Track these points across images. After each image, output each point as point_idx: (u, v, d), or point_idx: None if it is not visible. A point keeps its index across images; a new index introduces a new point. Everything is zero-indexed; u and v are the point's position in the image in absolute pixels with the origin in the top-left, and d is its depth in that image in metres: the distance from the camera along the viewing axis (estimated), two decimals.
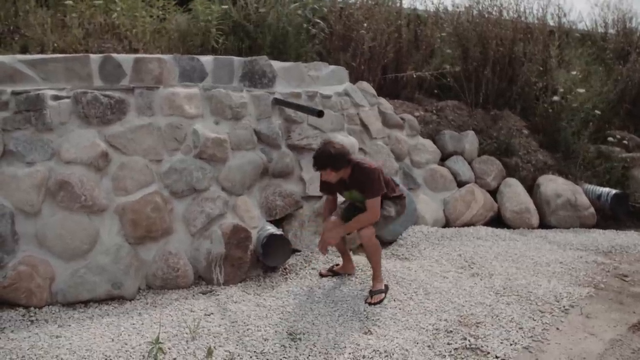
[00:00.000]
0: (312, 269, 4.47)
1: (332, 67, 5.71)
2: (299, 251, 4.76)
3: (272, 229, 4.42)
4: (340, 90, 5.58)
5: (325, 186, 4.13)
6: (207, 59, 4.76)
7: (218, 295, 3.93)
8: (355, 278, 4.31)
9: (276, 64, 5.15)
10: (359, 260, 4.63)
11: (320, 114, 4.49)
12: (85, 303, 3.76)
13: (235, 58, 4.94)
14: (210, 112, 4.56)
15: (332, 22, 6.72)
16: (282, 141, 4.89)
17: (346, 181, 3.96)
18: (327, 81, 5.54)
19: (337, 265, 4.47)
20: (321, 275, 4.36)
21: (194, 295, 3.95)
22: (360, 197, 3.95)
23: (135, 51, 5.22)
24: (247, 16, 5.72)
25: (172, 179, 4.20)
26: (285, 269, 4.48)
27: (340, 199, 4.31)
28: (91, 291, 3.75)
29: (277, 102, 4.91)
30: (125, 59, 4.33)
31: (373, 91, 6.07)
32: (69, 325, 3.41)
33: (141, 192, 4.07)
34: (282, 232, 4.48)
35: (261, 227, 4.49)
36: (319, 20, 6.36)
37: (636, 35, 9.49)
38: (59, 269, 3.75)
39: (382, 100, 6.17)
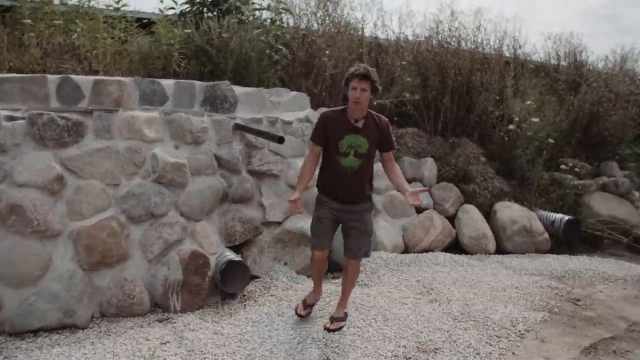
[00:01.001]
0: (272, 295, 4.43)
1: (294, 93, 5.75)
2: (258, 277, 4.72)
3: (231, 255, 4.38)
4: (301, 116, 5.62)
5: (321, 128, 3.69)
6: (168, 83, 4.74)
7: (175, 323, 3.86)
8: (316, 305, 4.29)
9: (238, 89, 5.16)
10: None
11: (281, 140, 4.51)
12: (35, 332, 3.63)
13: (197, 82, 4.93)
14: (170, 137, 4.53)
15: (295, 49, 6.79)
16: (242, 166, 4.88)
17: (354, 124, 3.59)
18: (289, 107, 5.58)
19: (309, 297, 4.08)
20: (300, 316, 4.00)
21: (149, 323, 3.86)
22: (364, 147, 3.59)
23: (95, 73, 5.15)
24: (210, 41, 5.73)
25: (129, 204, 4.13)
26: (244, 295, 4.43)
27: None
28: (41, 320, 3.62)
29: (238, 128, 4.91)
30: (84, 80, 4.27)
31: None
32: (16, 357, 3.28)
33: (97, 217, 3.98)
34: (241, 258, 4.44)
35: (220, 253, 4.44)
36: (281, 47, 6.42)
37: (586, 68, 9.89)
38: (7, 297, 3.62)
39: None
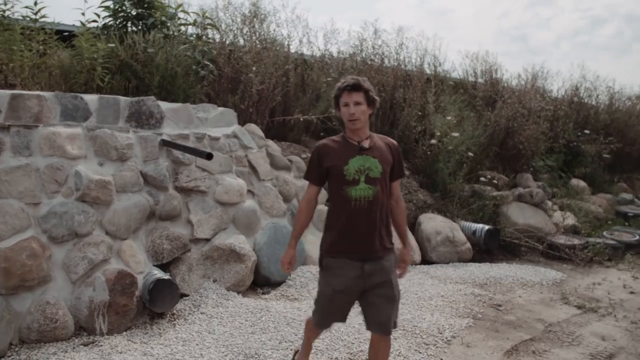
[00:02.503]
0: (202, 313, 4.38)
1: (221, 109, 5.75)
2: (188, 295, 4.66)
3: (159, 274, 4.30)
4: (228, 132, 5.62)
5: (316, 160, 3.01)
6: (91, 98, 4.62)
7: (101, 346, 3.73)
8: (246, 321, 4.28)
9: (164, 105, 5.10)
10: (248, 302, 4.62)
11: (209, 156, 4.50)
12: None
13: (122, 98, 4.83)
14: (94, 153, 4.41)
15: (222, 65, 6.78)
16: (169, 183, 4.82)
17: (358, 144, 2.93)
18: (216, 123, 5.56)
19: (299, 356, 3.45)
20: None
21: (74, 348, 3.72)
22: (377, 169, 2.90)
23: (12, 87, 4.94)
24: (135, 55, 5.63)
25: (51, 224, 3.97)
26: (173, 314, 4.35)
27: None
28: None
29: (165, 144, 4.85)
30: (0, 94, 4.09)
31: (261, 133, 6.16)
32: None
33: (15, 238, 3.80)
34: (169, 277, 4.37)
35: (148, 272, 4.35)
36: (208, 62, 6.39)
37: (501, 85, 10.46)
38: None
39: (270, 142, 6.28)
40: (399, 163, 3.08)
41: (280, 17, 11.25)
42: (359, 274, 2.89)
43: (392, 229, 3.09)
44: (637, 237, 8.00)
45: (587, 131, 11.05)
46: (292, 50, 8.23)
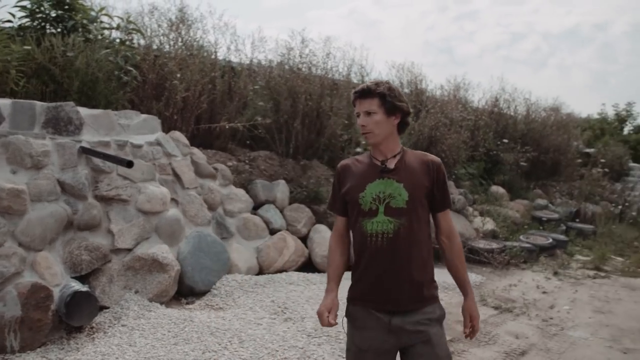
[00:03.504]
0: (122, 325, 4.27)
1: (144, 116, 5.64)
2: (108, 308, 4.52)
3: (77, 286, 4.16)
4: (152, 139, 5.52)
5: (336, 185, 2.48)
6: (4, 102, 4.42)
7: None
8: (168, 332, 4.21)
9: (84, 111, 4.95)
10: (171, 313, 4.55)
11: (129, 164, 4.41)
12: None
13: (38, 103, 4.65)
14: (6, 161, 4.22)
15: (146, 71, 6.65)
16: (89, 192, 4.68)
17: (381, 164, 2.35)
18: (139, 130, 5.45)
19: None
20: None
21: None
22: (401, 196, 2.27)
23: None
24: (53, 59, 5.43)
25: None
26: (92, 328, 4.22)
27: None
28: None
29: (84, 151, 4.71)
30: None
31: (186, 141, 6.09)
32: None
33: None
34: (88, 289, 4.24)
35: (65, 285, 4.20)
36: (131, 68, 6.25)
37: (425, 95, 10.82)
38: None
39: (195, 150, 6.22)
40: (440, 187, 2.35)
41: (207, 24, 11.15)
42: (386, 329, 2.29)
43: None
44: (551, 240, 8.51)
45: (505, 140, 11.63)
46: (220, 57, 8.17)
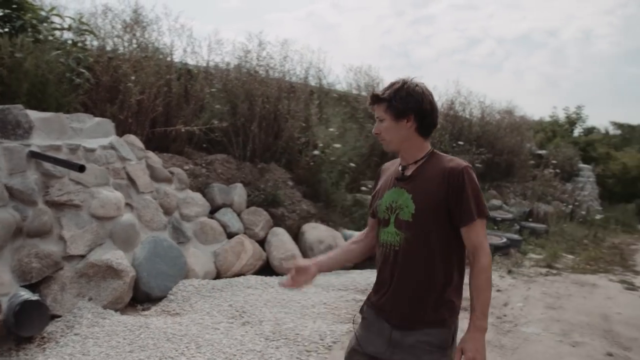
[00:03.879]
0: (75, 334, 4.16)
1: (98, 119, 5.52)
2: (60, 316, 4.40)
3: (26, 295, 4.03)
4: (105, 143, 5.41)
5: (374, 188, 2.42)
6: None
7: None
8: (124, 339, 4.12)
9: (33, 114, 4.82)
10: (127, 320, 4.46)
11: (81, 168, 4.32)
12: None
13: None
14: None
15: (99, 73, 6.51)
16: (39, 197, 4.55)
17: (402, 172, 2.24)
18: (92, 134, 5.33)
19: None
20: None
21: None
22: (408, 209, 2.13)
23: None
24: (0, 60, 5.26)
25: None
26: (42, 338, 4.09)
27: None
28: None
29: (34, 156, 4.58)
30: None
31: (141, 145, 5.99)
32: None
33: None
34: (38, 297, 4.12)
35: (14, 294, 4.06)
36: (83, 70, 6.11)
37: None
38: None
39: (151, 153, 6.12)
40: (456, 198, 2.07)
41: (163, 26, 10.96)
42: (387, 340, 2.20)
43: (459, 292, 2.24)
44: (505, 240, 8.72)
45: (461, 142, 11.87)
46: (177, 60, 8.07)
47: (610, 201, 20.16)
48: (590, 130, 27.64)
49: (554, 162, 15.52)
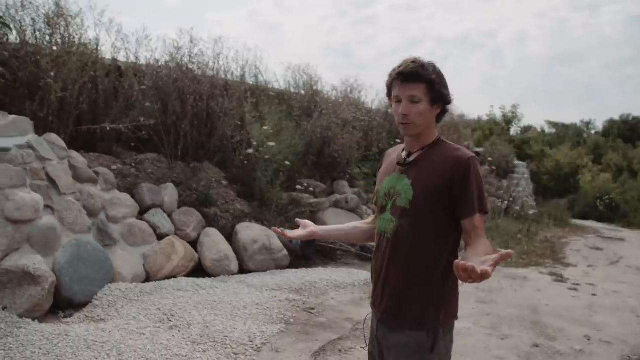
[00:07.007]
0: None
1: (13, 117, 5.21)
2: None
3: None
4: (22, 142, 5.11)
5: (380, 165, 2.32)
6: None
7: None
8: (39, 349, 3.89)
9: None
10: (45, 328, 4.23)
11: None
12: None
13: None
14: None
15: (16, 68, 6.16)
16: None
17: (405, 157, 2.13)
18: (6, 132, 5.03)
19: None
20: None
21: None
22: (405, 195, 2.01)
23: None
24: None
25: None
26: None
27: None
28: None
29: None
30: None
31: (62, 144, 5.69)
32: None
33: None
34: None
35: None
36: None
37: (320, 97, 10.91)
38: None
39: (74, 153, 5.84)
40: (461, 189, 1.94)
41: (88, 19, 10.47)
42: (374, 334, 2.18)
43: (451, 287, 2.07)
44: None
45: (399, 140, 11.97)
46: (105, 55, 7.74)
47: (544, 197, 20.95)
48: (527, 129, 28.65)
49: (490, 159, 15.94)
